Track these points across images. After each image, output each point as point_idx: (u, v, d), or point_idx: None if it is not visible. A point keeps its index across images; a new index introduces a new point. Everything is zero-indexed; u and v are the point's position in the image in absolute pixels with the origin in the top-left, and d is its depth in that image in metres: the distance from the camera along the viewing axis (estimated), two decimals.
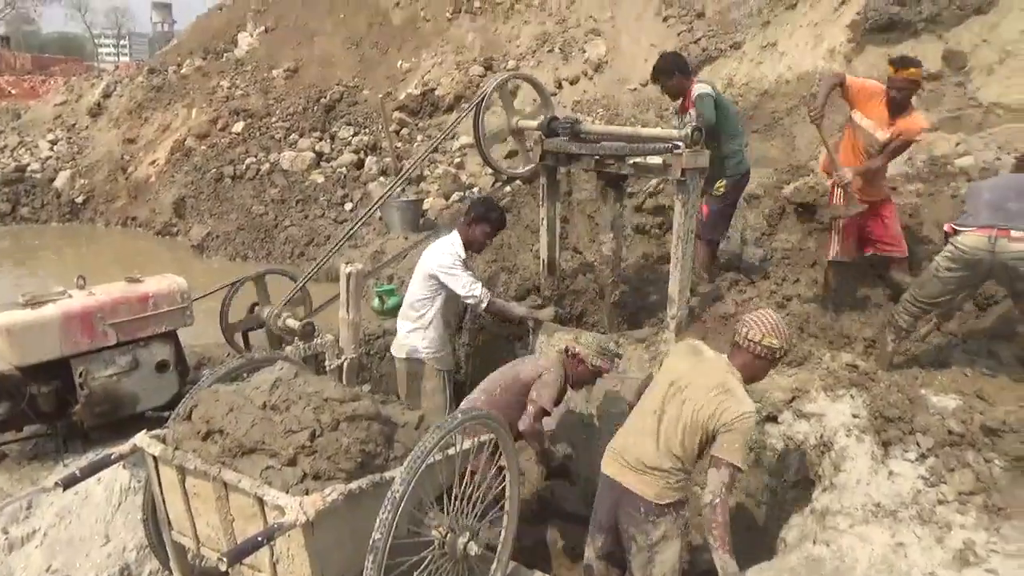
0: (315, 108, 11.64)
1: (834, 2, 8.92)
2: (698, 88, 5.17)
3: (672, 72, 5.38)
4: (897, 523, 3.33)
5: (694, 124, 4.42)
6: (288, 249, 9.59)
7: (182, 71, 13.23)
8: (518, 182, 6.67)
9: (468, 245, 4.55)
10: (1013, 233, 3.69)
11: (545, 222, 5.28)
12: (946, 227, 4.05)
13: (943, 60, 7.78)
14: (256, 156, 10.90)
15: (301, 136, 11.19)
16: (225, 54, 13.54)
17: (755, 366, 3.11)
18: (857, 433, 3.88)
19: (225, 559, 2.01)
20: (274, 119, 11.57)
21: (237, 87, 12.46)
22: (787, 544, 3.65)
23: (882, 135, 4.77)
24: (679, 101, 5.46)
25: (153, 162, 11.65)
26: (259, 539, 2.08)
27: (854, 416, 3.98)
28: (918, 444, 3.63)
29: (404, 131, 10.91)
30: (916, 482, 3.47)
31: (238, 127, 11.55)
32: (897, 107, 4.70)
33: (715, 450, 2.94)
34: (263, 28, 13.74)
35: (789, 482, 4.19)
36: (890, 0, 8.30)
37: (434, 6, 12.85)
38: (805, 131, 8.11)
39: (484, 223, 4.54)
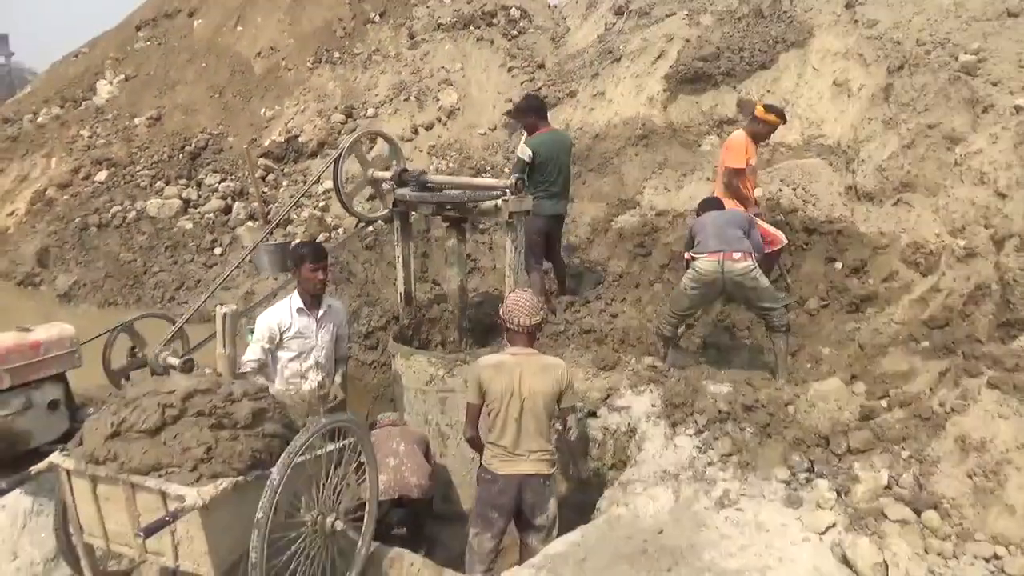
0: (180, 156, 11.84)
1: (651, 57, 10.20)
2: (521, 149, 6.24)
3: (527, 113, 6.47)
4: (678, 483, 4.24)
5: (516, 175, 5.39)
6: (158, 294, 9.77)
7: (39, 120, 13.03)
8: (381, 223, 7.35)
9: (302, 292, 4.68)
10: (734, 255, 4.93)
11: (400, 259, 6.03)
12: (686, 256, 5.29)
13: (737, 107, 9.18)
14: (122, 204, 10.99)
15: (167, 184, 11.36)
16: (84, 102, 13.44)
17: (531, 340, 4.18)
18: (654, 419, 4.84)
19: (141, 534, 2.61)
20: (139, 167, 11.66)
21: (99, 136, 12.45)
22: (600, 510, 4.54)
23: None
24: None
25: (12, 213, 11.46)
26: (166, 518, 2.69)
27: (652, 406, 4.94)
28: (696, 422, 4.62)
29: (270, 177, 11.32)
30: (692, 451, 4.44)
31: (101, 176, 11.58)
32: (759, 140, 6.29)
33: (564, 402, 4.15)
34: (123, 76, 13.75)
35: (608, 464, 5.10)
36: (695, 56, 9.68)
37: (295, 56, 13.38)
38: (632, 169, 9.26)
39: (297, 266, 4.66)
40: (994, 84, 6.70)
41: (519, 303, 4.14)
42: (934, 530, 3.40)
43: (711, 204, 5.79)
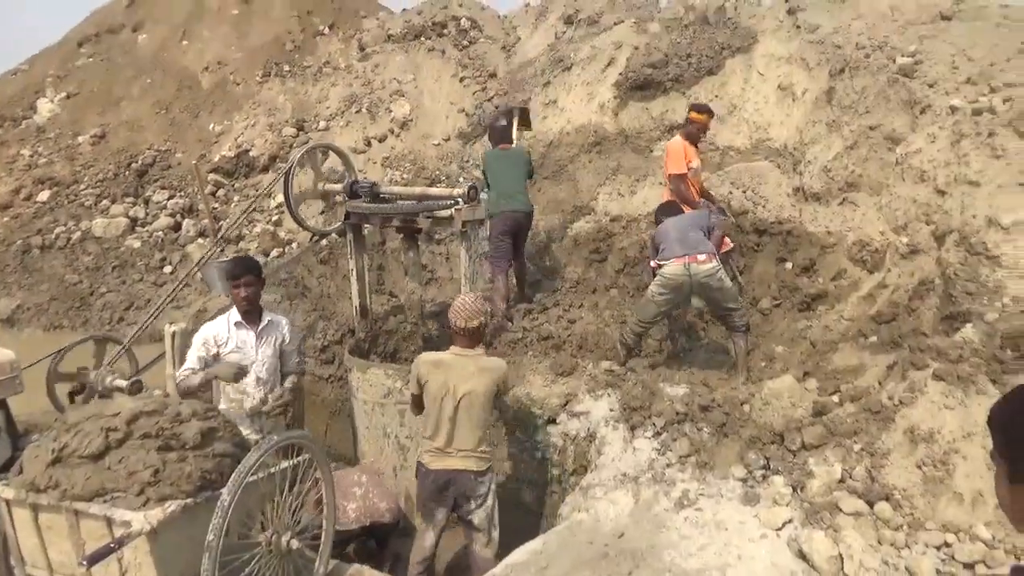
0: (126, 173, 11.58)
1: (601, 64, 10.30)
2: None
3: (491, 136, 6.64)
4: (637, 486, 4.26)
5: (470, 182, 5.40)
6: (107, 315, 9.52)
7: None
8: (335, 236, 7.28)
9: (238, 309, 4.49)
10: (699, 257, 4.98)
11: (355, 272, 5.97)
12: (652, 264, 5.33)
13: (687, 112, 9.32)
14: (66, 225, 10.70)
15: (113, 202, 11.09)
16: (24, 121, 13.07)
17: (472, 341, 4.26)
18: (613, 423, 4.85)
19: (85, 563, 2.52)
20: (83, 186, 11.38)
21: (40, 155, 12.11)
22: (562, 517, 4.54)
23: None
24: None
25: None
26: (112, 545, 2.61)
27: (611, 410, 4.96)
28: (654, 424, 4.65)
29: (220, 192, 11.14)
30: (651, 453, 4.46)
31: (44, 196, 11.26)
32: (698, 140, 6.37)
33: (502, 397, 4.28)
34: (64, 94, 13.41)
35: (569, 470, 5.09)
36: (644, 63, 9.79)
37: (243, 70, 13.20)
38: (585, 176, 9.32)
39: (231, 283, 4.49)
40: (930, 85, 6.90)
41: (459, 306, 4.26)
42: (886, 521, 3.46)
43: (670, 210, 5.84)
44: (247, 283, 4.41)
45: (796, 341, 5.86)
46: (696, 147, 6.54)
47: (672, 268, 5.11)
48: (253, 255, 9.57)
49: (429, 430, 4.22)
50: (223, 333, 4.45)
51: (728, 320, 5.38)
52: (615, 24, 11.17)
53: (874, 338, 5.16)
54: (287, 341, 4.63)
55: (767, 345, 5.96)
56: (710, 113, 6.57)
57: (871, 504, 3.55)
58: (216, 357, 4.41)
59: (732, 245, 6.36)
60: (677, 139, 6.47)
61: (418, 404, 4.34)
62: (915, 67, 7.22)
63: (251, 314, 4.51)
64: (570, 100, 10.29)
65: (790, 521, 3.64)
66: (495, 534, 4.29)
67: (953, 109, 6.28)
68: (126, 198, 11.22)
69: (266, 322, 4.55)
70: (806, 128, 7.98)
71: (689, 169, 6.29)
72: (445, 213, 5.33)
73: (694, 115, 6.48)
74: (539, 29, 13.30)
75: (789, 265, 6.64)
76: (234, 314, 4.50)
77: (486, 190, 6.43)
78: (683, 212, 5.84)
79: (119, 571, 2.85)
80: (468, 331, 4.21)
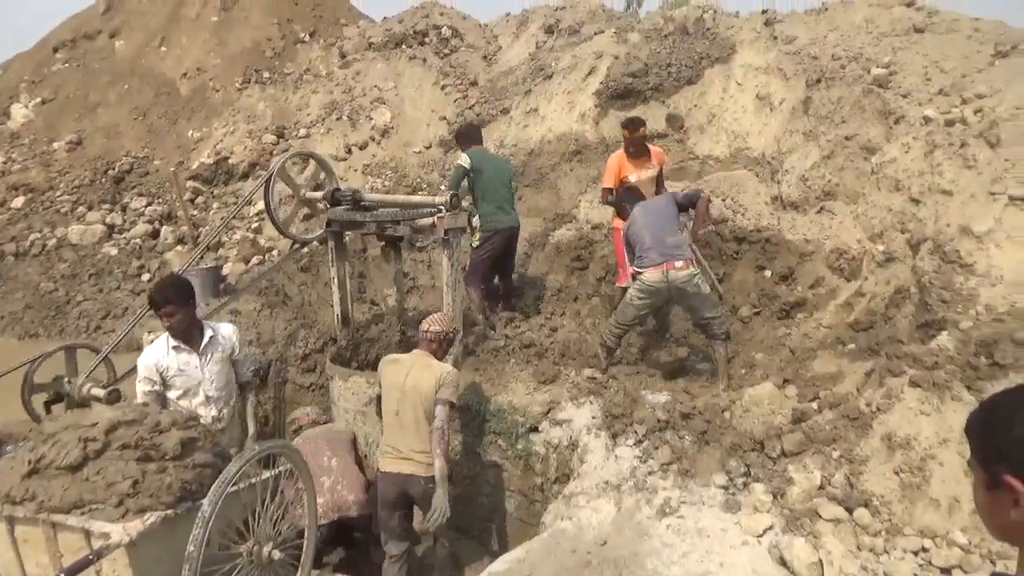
0: (103, 180, 11.46)
1: (582, 73, 10.36)
2: (459, 159, 6.21)
3: (457, 141, 6.49)
4: (620, 494, 4.27)
5: (451, 191, 5.38)
6: (83, 324, 9.40)
7: None
8: (316, 243, 7.24)
9: (172, 335, 4.25)
10: (677, 264, 5.02)
11: (336, 280, 5.95)
12: (631, 270, 5.36)
13: (667, 121, 9.37)
14: (41, 231, 10.56)
15: (90, 209, 10.97)
16: None
17: (434, 347, 4.49)
18: (595, 431, 4.86)
19: (63, 575, 2.48)
20: (59, 193, 11.24)
21: (14, 161, 11.94)
22: (545, 525, 4.54)
23: (652, 172, 6.36)
24: None
25: None
26: (89, 557, 2.57)
27: (593, 418, 4.97)
28: (636, 432, 4.67)
29: (199, 199, 11.05)
30: (633, 461, 4.48)
31: (18, 203, 11.10)
32: (640, 153, 6.16)
33: (438, 395, 4.25)
34: (39, 99, 13.25)
35: (551, 478, 5.09)
36: (625, 72, 9.87)
37: (222, 77, 13.13)
38: (567, 184, 9.37)
39: (156, 310, 4.23)
40: (904, 96, 7.03)
41: (431, 316, 4.62)
42: (865, 527, 3.50)
43: (633, 196, 5.80)
44: (167, 314, 4.14)
45: (776, 348, 5.91)
46: (641, 159, 6.43)
47: (650, 275, 5.15)
48: (234, 262, 9.50)
49: (383, 432, 4.44)
50: (163, 360, 4.21)
51: (708, 328, 5.41)
52: (596, 34, 11.26)
53: (852, 345, 5.22)
54: (236, 351, 4.45)
55: (747, 352, 6.01)
56: (632, 127, 6.40)
57: (850, 510, 3.59)
58: (164, 385, 4.22)
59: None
60: (614, 154, 6.56)
61: (379, 403, 4.52)
62: (889, 78, 7.35)
63: (189, 334, 4.26)
64: (551, 109, 10.34)
65: (771, 528, 3.67)
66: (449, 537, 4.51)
67: (926, 120, 6.40)
68: (103, 205, 11.10)
69: (208, 338, 4.30)
70: (784, 137, 8.08)
71: (625, 181, 6.30)
72: (427, 221, 5.32)
73: (623, 130, 6.53)
74: (520, 38, 13.37)
75: (768, 273, 6.71)
76: (171, 339, 4.25)
77: (471, 199, 6.33)
78: (642, 196, 5.81)
79: None
80: (430, 335, 4.48)
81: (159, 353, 4.23)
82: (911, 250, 5.42)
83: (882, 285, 5.52)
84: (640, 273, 5.24)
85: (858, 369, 4.86)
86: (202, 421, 4.18)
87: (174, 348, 4.23)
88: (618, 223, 6.53)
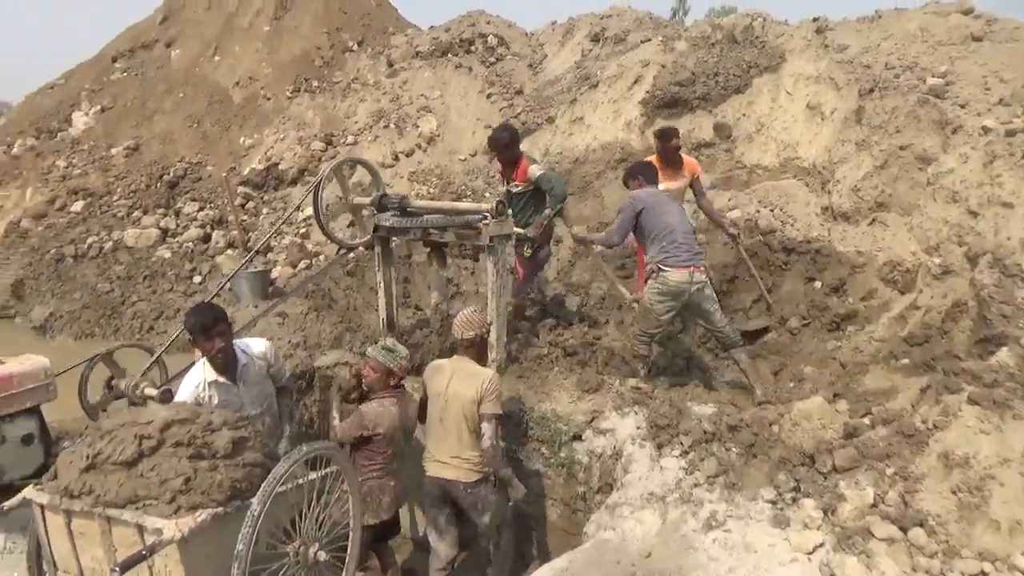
0: (158, 185, 11.77)
1: (628, 82, 10.35)
2: (535, 168, 6.19)
3: (516, 142, 6.34)
4: (665, 505, 4.23)
5: (555, 195, 5.76)
6: (137, 324, 9.64)
7: (13, 151, 12.91)
8: (362, 249, 7.32)
9: (213, 364, 4.02)
10: (700, 267, 5.02)
11: (382, 285, 5.99)
12: (651, 266, 5.20)
13: (714, 130, 9.30)
14: (98, 235, 10.88)
15: (145, 213, 11.27)
16: (59, 133, 13.35)
17: (473, 352, 4.43)
18: (640, 441, 4.82)
19: (117, 569, 2.54)
20: (116, 197, 11.58)
21: (75, 166, 12.35)
22: (588, 535, 4.50)
23: (682, 183, 6.28)
24: (503, 171, 6.45)
25: None
26: (142, 552, 2.63)
27: (637, 428, 4.92)
28: (682, 443, 4.61)
29: (249, 204, 11.28)
30: (679, 472, 4.42)
31: (77, 206, 11.47)
32: (671, 163, 6.12)
33: (482, 409, 4.20)
34: (99, 107, 13.69)
35: (594, 488, 5.06)
36: (671, 81, 9.82)
37: (273, 85, 13.41)
38: (612, 192, 9.34)
39: (199, 337, 3.96)
40: (962, 106, 6.85)
41: (459, 318, 4.49)
42: (921, 547, 3.39)
43: (649, 171, 5.65)
44: (220, 332, 3.91)
45: (825, 362, 5.80)
46: (671, 169, 6.34)
47: (677, 276, 5.07)
48: (282, 266, 9.67)
49: (427, 436, 4.46)
50: (203, 395, 3.99)
51: (725, 339, 5.36)
52: (642, 42, 11.22)
53: (906, 360, 5.09)
54: (272, 364, 4.31)
55: (795, 365, 5.90)
56: (665, 138, 6.32)
57: (905, 530, 3.48)
58: None
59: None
60: (649, 158, 6.50)
61: (423, 408, 4.57)
62: (946, 88, 7.17)
63: (227, 364, 4.03)
64: (596, 117, 10.33)
65: (821, 545, 3.58)
66: (502, 541, 4.48)
67: (985, 130, 6.22)
68: (157, 209, 11.40)
69: (242, 366, 4.11)
70: (835, 147, 7.94)
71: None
72: (472, 228, 5.34)
73: (655, 140, 6.53)
74: (566, 47, 13.39)
75: (818, 284, 6.59)
76: (207, 371, 4.01)
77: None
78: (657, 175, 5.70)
79: None
80: (465, 341, 4.41)
81: (197, 388, 4.00)
82: (969, 263, 5.27)
83: (938, 298, 5.37)
84: (664, 270, 5.11)
85: (913, 385, 4.73)
86: None
87: (211, 383, 4.01)
88: None
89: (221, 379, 4.02)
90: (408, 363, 4.75)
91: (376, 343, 4.83)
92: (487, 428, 4.21)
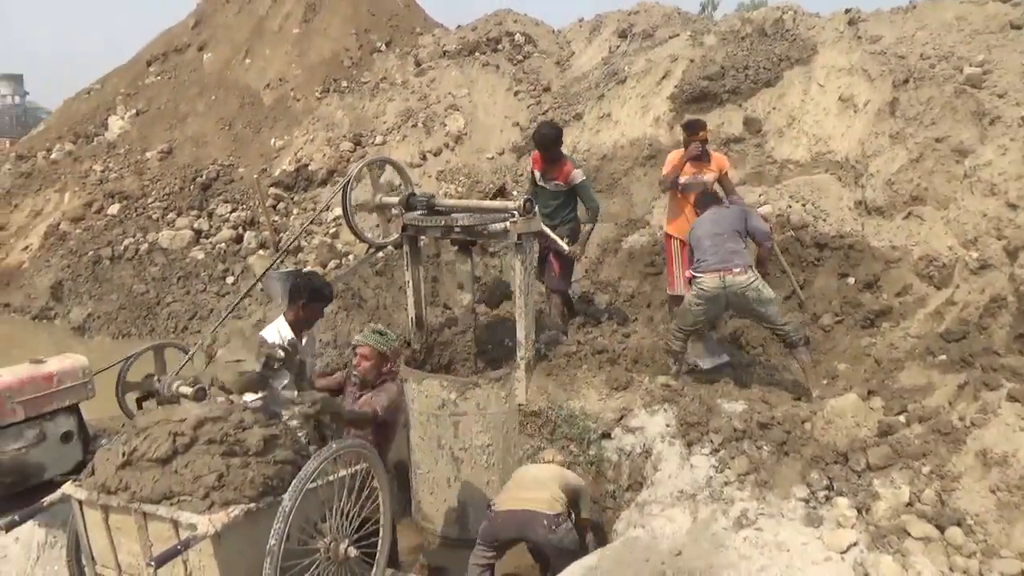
0: (191, 187, 11.99)
1: (656, 77, 10.26)
2: (578, 174, 6.22)
3: (561, 141, 6.34)
4: (695, 503, 4.19)
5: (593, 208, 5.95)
6: (172, 324, 9.83)
7: (52, 156, 13.24)
8: (391, 248, 7.38)
9: (296, 326, 4.37)
10: (734, 269, 4.94)
11: (411, 284, 6.02)
12: (687, 273, 5.29)
13: (744, 125, 9.16)
14: (134, 236, 11.12)
15: (179, 215, 11.49)
16: (96, 138, 13.65)
17: None
18: (669, 439, 4.78)
19: (153, 564, 2.59)
20: (151, 200, 11.82)
21: (111, 170, 12.62)
22: (617, 533, 4.48)
23: (709, 177, 6.12)
24: (537, 166, 6.44)
25: (26, 247, 11.62)
26: (178, 547, 2.67)
27: (667, 425, 4.89)
28: (712, 441, 4.56)
29: (280, 205, 11.43)
30: (709, 470, 4.38)
31: (114, 209, 11.73)
32: (698, 157, 6.04)
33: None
34: (134, 111, 13.97)
35: (624, 486, 5.03)
36: (700, 76, 9.71)
37: (303, 87, 13.55)
38: (640, 189, 9.29)
39: (320, 302, 4.42)
40: (1000, 96, 6.68)
41: None
42: (958, 547, 3.32)
43: (708, 201, 5.70)
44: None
45: (859, 358, 5.70)
46: (699, 163, 6.16)
47: (707, 281, 5.10)
48: (312, 265, 9.77)
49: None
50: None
51: (785, 337, 5.27)
52: (670, 38, 11.12)
53: (943, 356, 4.98)
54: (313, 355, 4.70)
55: (829, 362, 5.81)
56: (691, 130, 6.19)
57: (941, 529, 3.41)
58: None
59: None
60: (676, 151, 6.40)
61: None
62: (983, 77, 7.00)
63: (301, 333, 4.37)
64: (624, 113, 10.27)
65: (855, 544, 3.52)
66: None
67: None
68: (191, 211, 11.60)
69: (307, 338, 4.46)
70: (868, 140, 7.79)
71: (673, 171, 6.16)
72: (500, 226, 5.34)
73: (682, 132, 6.45)
74: (593, 43, 13.33)
75: (851, 280, 6.48)
76: (285, 330, 4.27)
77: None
78: (719, 203, 5.70)
79: (184, 573, 2.91)
80: None
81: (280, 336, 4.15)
82: (1008, 257, 5.14)
83: (976, 293, 5.25)
84: (697, 278, 5.18)
85: (950, 381, 4.63)
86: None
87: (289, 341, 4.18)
88: (669, 228, 6.44)
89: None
90: (400, 346, 4.64)
91: (361, 331, 4.52)
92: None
